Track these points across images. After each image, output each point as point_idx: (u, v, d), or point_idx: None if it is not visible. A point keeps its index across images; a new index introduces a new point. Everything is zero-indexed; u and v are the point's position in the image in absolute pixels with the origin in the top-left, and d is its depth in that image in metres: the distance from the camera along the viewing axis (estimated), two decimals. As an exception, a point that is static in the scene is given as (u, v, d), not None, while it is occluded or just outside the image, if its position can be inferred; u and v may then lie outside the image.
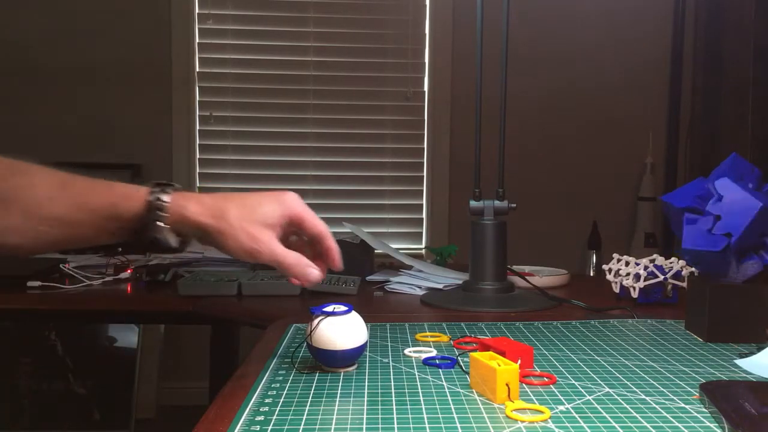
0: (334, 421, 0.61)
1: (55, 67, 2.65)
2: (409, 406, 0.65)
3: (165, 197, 0.73)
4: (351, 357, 0.76)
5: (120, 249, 1.53)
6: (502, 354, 0.72)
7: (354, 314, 0.77)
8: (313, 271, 0.76)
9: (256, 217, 0.74)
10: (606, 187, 2.79)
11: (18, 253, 0.73)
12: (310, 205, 0.78)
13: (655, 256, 1.20)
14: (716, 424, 0.61)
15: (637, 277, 1.17)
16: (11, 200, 0.70)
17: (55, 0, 2.65)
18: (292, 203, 0.77)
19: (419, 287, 1.31)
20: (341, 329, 0.74)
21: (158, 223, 0.72)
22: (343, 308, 0.76)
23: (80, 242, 0.75)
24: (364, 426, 0.60)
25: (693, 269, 1.12)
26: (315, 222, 0.78)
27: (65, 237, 0.73)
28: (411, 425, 0.60)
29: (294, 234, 0.80)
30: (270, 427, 0.60)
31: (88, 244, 0.76)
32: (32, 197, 0.71)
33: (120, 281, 1.42)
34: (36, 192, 0.71)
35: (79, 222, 0.72)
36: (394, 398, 0.67)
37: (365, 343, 0.77)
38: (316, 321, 0.75)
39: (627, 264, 1.20)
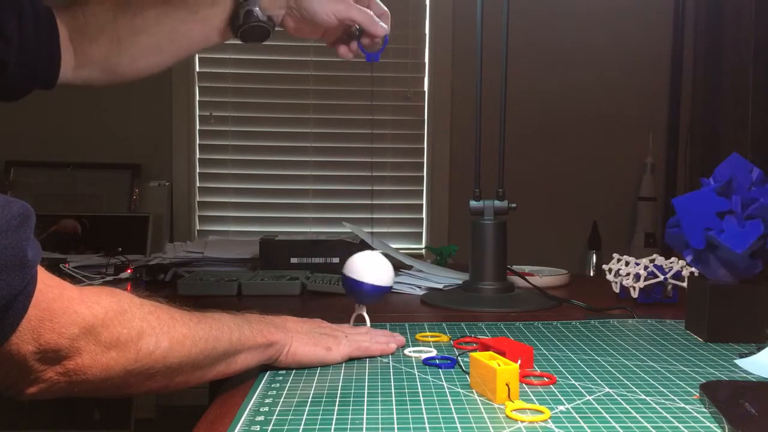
0: (334, 421, 0.61)
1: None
2: (409, 406, 0.65)
3: None
4: (375, 292, 0.87)
5: (120, 249, 1.53)
6: (502, 354, 0.72)
7: (384, 258, 0.88)
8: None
9: None
10: (606, 187, 2.79)
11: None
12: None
13: (655, 256, 1.20)
14: (716, 424, 0.61)
15: (637, 277, 1.17)
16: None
17: (56, 1, 2.64)
18: None
19: (419, 287, 1.31)
20: (371, 266, 0.86)
21: None
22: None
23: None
24: (364, 426, 0.60)
25: (693, 269, 1.12)
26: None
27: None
28: (411, 425, 0.60)
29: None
30: (270, 427, 0.60)
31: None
32: None
33: (120, 281, 1.42)
34: None
35: None
36: (394, 398, 0.67)
37: (389, 286, 0.88)
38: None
39: (627, 264, 1.20)
